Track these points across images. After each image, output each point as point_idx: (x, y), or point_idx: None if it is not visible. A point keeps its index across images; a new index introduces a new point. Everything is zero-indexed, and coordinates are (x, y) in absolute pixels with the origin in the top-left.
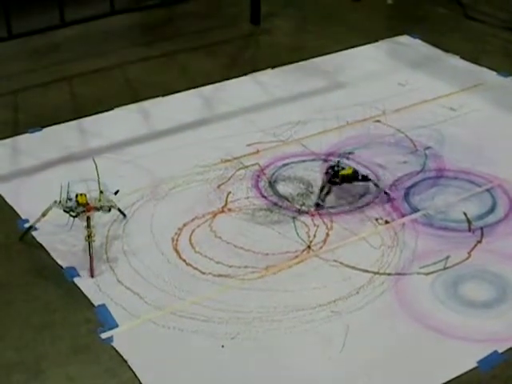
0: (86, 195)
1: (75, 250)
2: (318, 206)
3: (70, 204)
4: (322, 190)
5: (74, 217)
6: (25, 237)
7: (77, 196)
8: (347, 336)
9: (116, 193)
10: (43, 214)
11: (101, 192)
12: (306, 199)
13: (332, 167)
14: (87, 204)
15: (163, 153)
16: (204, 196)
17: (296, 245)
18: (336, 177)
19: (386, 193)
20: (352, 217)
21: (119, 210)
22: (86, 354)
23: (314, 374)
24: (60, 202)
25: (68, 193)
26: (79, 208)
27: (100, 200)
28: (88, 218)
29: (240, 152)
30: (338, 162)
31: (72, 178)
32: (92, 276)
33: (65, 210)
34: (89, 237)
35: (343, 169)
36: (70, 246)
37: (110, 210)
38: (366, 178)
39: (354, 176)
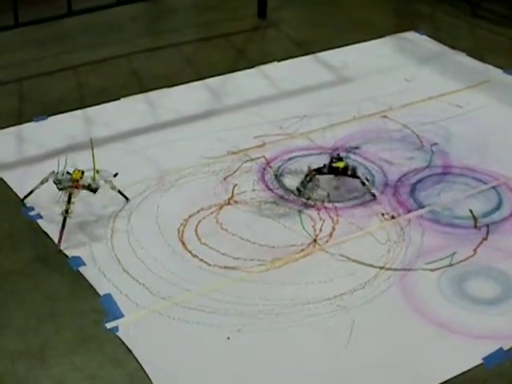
0: (83, 172)
1: (81, 239)
2: (298, 191)
3: (62, 177)
4: (306, 176)
5: (59, 189)
6: (30, 225)
7: (74, 171)
8: (353, 330)
9: (115, 175)
10: (41, 183)
11: (97, 171)
12: (313, 193)
13: (335, 158)
14: (76, 181)
15: (169, 144)
16: (210, 188)
17: (302, 238)
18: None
19: (372, 194)
20: (358, 211)
21: (119, 191)
22: (91, 344)
23: (319, 367)
24: (57, 173)
25: (65, 166)
26: (69, 182)
27: (94, 179)
28: (70, 194)
29: (246, 144)
30: (343, 155)
31: (77, 166)
32: (59, 242)
33: (54, 182)
34: (66, 211)
35: (339, 161)
36: (75, 235)
37: (96, 192)
38: (354, 176)
39: (344, 171)
